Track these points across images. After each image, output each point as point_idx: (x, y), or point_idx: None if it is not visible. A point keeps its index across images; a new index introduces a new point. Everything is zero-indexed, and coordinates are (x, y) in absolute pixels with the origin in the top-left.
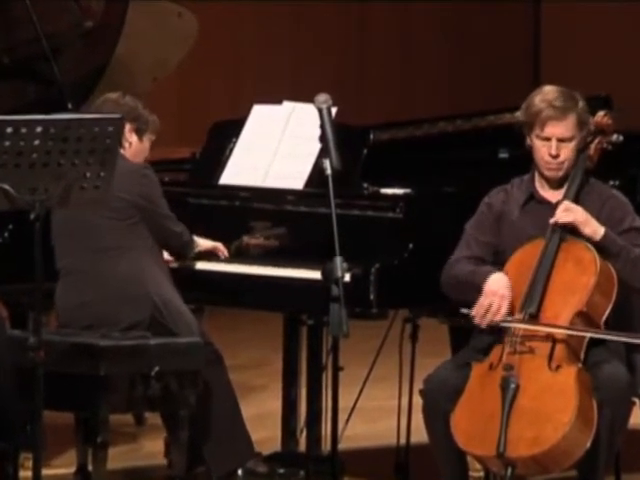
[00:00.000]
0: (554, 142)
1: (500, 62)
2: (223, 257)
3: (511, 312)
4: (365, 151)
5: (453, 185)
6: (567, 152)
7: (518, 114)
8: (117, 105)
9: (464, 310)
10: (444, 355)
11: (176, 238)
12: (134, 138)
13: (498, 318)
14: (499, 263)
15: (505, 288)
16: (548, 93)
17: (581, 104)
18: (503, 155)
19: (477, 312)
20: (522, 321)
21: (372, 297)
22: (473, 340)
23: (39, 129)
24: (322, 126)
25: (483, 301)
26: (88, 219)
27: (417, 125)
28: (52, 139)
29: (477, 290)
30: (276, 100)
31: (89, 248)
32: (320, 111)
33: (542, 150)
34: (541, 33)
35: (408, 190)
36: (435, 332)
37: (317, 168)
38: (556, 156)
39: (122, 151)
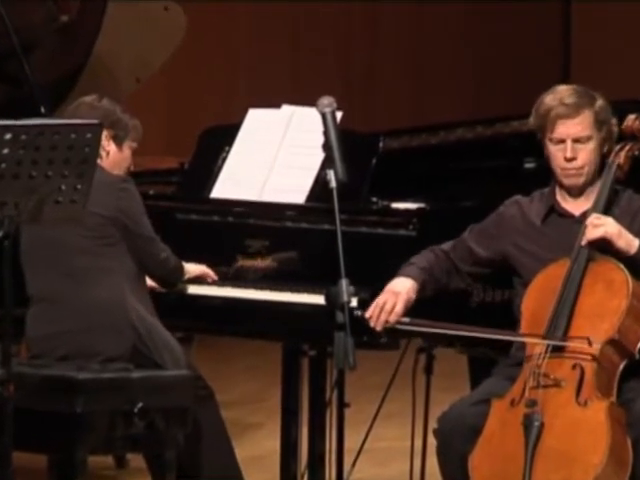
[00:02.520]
0: (569, 143)
1: (527, 66)
2: (211, 281)
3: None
4: (374, 161)
5: (472, 199)
6: (585, 155)
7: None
8: (92, 109)
9: (357, 312)
10: (462, 390)
11: (159, 265)
12: (112, 146)
13: (392, 318)
14: (520, 284)
15: (403, 287)
16: (560, 91)
17: (600, 102)
18: (529, 165)
19: (371, 312)
20: (432, 326)
21: None
22: (495, 373)
23: (8, 136)
24: (326, 133)
25: (378, 299)
26: (60, 239)
27: (432, 132)
28: (23, 147)
29: None
30: (274, 105)
31: (62, 271)
32: (323, 116)
33: (557, 155)
34: (571, 35)
35: (422, 204)
36: (452, 364)
37: (320, 180)
38: (572, 159)
39: (99, 161)
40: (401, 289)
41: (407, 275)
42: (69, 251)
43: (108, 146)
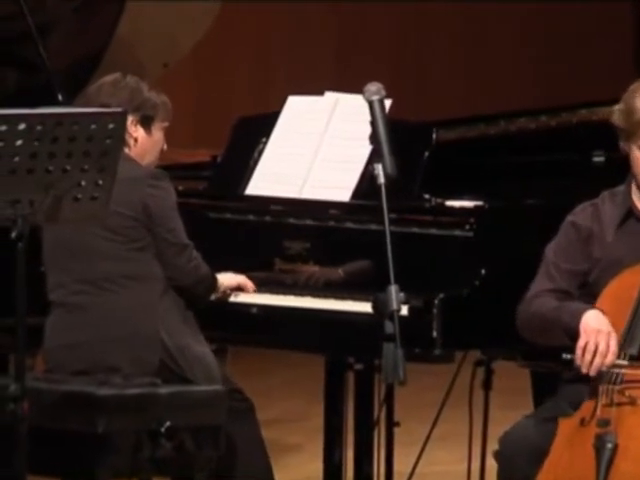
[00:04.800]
0: None
1: (597, 64)
2: (252, 291)
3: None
4: (427, 154)
5: (535, 196)
6: None
7: (614, 112)
8: (116, 88)
9: (566, 356)
10: (525, 407)
11: (186, 275)
12: (140, 132)
13: (610, 360)
14: (590, 295)
15: (608, 325)
16: None
17: None
18: (598, 159)
19: (583, 358)
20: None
21: (435, 335)
22: (561, 388)
23: (22, 126)
24: (373, 123)
25: (587, 344)
26: (83, 241)
27: (491, 122)
28: (38, 139)
29: (566, 332)
30: (315, 94)
31: (84, 277)
32: (371, 104)
33: None
34: None
35: (480, 202)
36: (513, 379)
37: (367, 175)
38: None
39: (126, 151)
40: (609, 327)
41: (592, 308)
42: (92, 255)
43: (136, 132)
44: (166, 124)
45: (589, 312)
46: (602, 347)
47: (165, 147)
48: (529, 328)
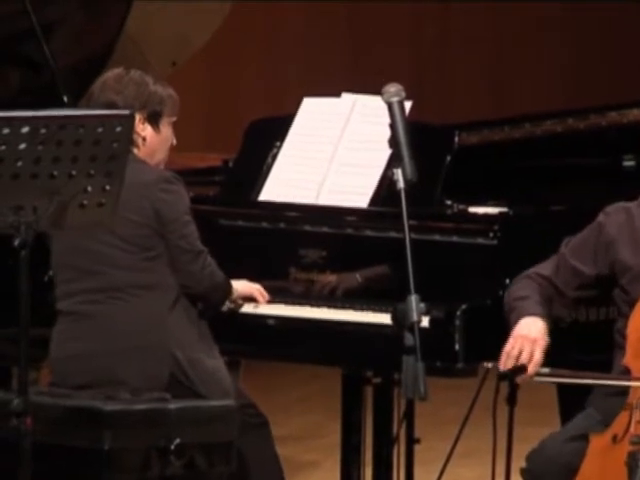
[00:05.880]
0: None
1: (627, 66)
2: (263, 302)
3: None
4: (449, 158)
5: (563, 202)
6: None
7: None
8: (120, 84)
9: (486, 364)
10: (551, 423)
11: (200, 282)
12: (148, 130)
13: (532, 370)
14: (625, 302)
15: (539, 332)
16: None
17: None
18: (629, 163)
19: (504, 364)
20: (577, 376)
21: (458, 348)
22: (590, 403)
23: (25, 129)
24: (392, 125)
25: (510, 349)
26: (95, 249)
27: (516, 124)
28: (42, 142)
29: (509, 329)
30: (331, 95)
31: (96, 286)
32: (390, 106)
33: None
34: None
35: (504, 209)
36: (539, 393)
37: (386, 180)
38: None
39: (135, 152)
40: (537, 334)
41: (535, 314)
42: (103, 263)
43: (144, 131)
44: (174, 119)
45: (527, 318)
46: (524, 355)
47: (174, 142)
48: (504, 307)
